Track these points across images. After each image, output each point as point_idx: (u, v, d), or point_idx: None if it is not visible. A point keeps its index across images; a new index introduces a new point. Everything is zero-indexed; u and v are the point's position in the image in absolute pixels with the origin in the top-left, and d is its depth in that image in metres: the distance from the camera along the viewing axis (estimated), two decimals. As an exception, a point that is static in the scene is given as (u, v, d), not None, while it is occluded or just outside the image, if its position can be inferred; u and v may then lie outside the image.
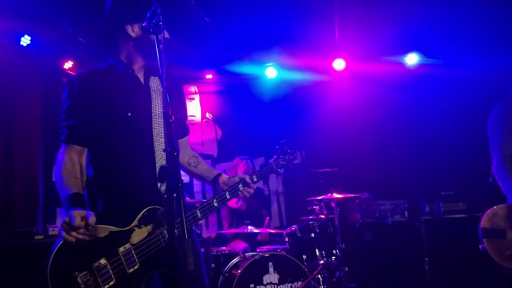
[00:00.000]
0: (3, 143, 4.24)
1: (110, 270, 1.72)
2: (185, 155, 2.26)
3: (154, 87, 2.05)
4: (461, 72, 4.85)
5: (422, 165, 4.98)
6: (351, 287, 4.16)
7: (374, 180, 5.02)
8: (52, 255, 1.65)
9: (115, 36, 2.03)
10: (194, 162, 2.27)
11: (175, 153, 1.59)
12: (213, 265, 3.92)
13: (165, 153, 1.58)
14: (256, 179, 2.19)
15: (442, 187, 4.76)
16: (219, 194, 2.08)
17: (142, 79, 2.04)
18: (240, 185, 2.15)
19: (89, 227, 1.69)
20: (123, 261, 1.75)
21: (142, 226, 1.83)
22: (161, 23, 1.73)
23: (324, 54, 5.24)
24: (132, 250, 1.78)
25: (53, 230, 4.08)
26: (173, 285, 1.66)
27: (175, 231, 1.55)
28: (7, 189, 4.20)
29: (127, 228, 1.80)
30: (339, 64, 5.31)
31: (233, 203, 4.47)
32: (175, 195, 1.55)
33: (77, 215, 1.68)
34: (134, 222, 1.82)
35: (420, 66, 5.24)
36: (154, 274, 1.85)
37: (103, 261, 1.71)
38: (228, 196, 2.10)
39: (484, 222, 2.67)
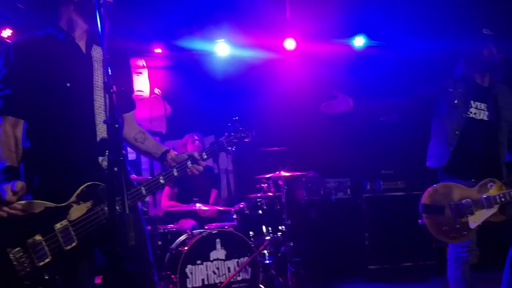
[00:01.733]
0: None
1: (46, 247, 1.68)
2: (131, 131, 2.19)
3: (96, 57, 1.96)
4: (405, 54, 5.05)
5: (364, 145, 5.19)
6: (295, 261, 4.32)
7: (320, 159, 5.17)
8: None
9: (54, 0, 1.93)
10: (141, 138, 2.20)
11: (117, 125, 1.53)
12: (159, 243, 3.92)
13: (106, 126, 1.53)
14: (205, 156, 2.13)
15: (383, 167, 5.02)
16: (166, 171, 2.02)
17: (83, 48, 1.95)
18: (189, 162, 2.08)
19: (23, 201, 1.63)
20: (59, 238, 1.71)
21: (80, 202, 1.78)
22: None
23: (275, 33, 5.24)
24: (70, 227, 1.74)
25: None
26: (115, 261, 1.66)
27: (117, 207, 1.53)
28: None
29: (64, 204, 1.75)
30: (289, 43, 5.35)
31: (203, 211, 4.43)
32: (116, 169, 1.50)
33: (8, 189, 1.61)
34: (72, 198, 1.77)
35: (367, 48, 5.39)
36: (96, 252, 1.82)
37: (38, 237, 1.66)
38: (175, 173, 2.03)
39: (425, 199, 2.77)
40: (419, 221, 2.78)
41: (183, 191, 4.61)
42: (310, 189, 4.98)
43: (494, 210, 2.68)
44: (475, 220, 2.68)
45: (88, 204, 1.79)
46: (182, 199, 4.54)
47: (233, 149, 2.28)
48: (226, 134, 2.28)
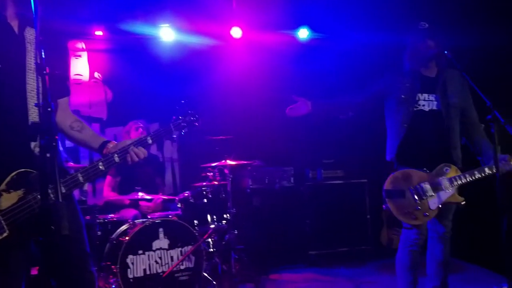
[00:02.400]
0: None
1: None
2: (67, 118, 2.07)
3: (30, 38, 1.85)
4: (349, 47, 5.21)
5: (307, 136, 5.33)
6: (239, 249, 4.37)
7: (265, 149, 5.23)
8: None
9: None
10: (78, 126, 2.07)
11: (49, 109, 1.46)
12: (99, 233, 3.79)
13: (38, 109, 1.47)
14: (150, 141, 2.02)
15: (324, 156, 5.20)
16: (106, 156, 1.92)
17: (16, 28, 1.83)
18: (132, 146, 1.98)
19: None
20: None
21: (11, 190, 1.68)
22: None
23: (221, 20, 5.19)
24: (0, 217, 1.64)
25: None
26: (49, 251, 1.59)
27: (50, 195, 1.46)
28: None
29: None
30: (236, 32, 5.32)
31: (146, 207, 4.30)
32: (48, 155, 1.43)
33: None
34: (1, 186, 1.67)
35: (311, 40, 5.50)
36: (31, 242, 1.74)
37: None
38: (116, 159, 1.92)
39: (387, 185, 2.92)
40: (383, 206, 2.94)
41: (126, 180, 4.48)
42: (255, 177, 5.04)
43: (451, 191, 2.85)
44: (434, 201, 2.84)
45: (20, 192, 1.70)
46: (124, 189, 4.41)
47: (183, 132, 2.17)
48: (174, 117, 2.17)
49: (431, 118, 2.97)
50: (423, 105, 2.98)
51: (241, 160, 4.42)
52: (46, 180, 1.44)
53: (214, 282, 3.76)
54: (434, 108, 2.97)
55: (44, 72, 1.49)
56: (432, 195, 2.85)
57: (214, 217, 4.09)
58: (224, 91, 5.37)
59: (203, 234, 3.86)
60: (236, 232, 4.27)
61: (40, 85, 1.48)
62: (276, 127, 5.32)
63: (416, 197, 2.85)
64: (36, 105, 1.46)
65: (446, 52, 2.83)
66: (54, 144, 1.43)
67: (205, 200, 4.12)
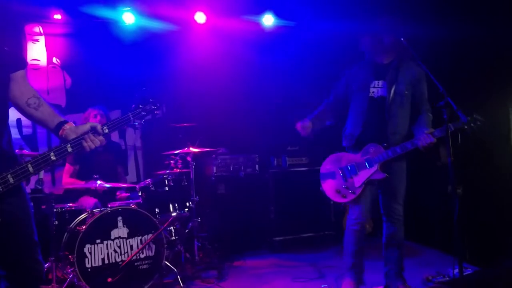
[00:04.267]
0: None
1: None
2: (23, 94, 1.94)
3: None
4: (312, 35, 5.20)
5: (272, 123, 5.33)
6: (202, 236, 4.36)
7: (230, 136, 5.21)
8: None
9: None
10: (35, 103, 1.96)
11: None
12: (56, 222, 3.69)
13: None
14: (107, 131, 1.95)
15: (289, 143, 5.22)
16: (58, 146, 1.84)
17: None
18: (89, 134, 1.89)
19: None
20: None
21: None
22: None
23: (185, 5, 5.08)
24: None
25: None
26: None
27: None
28: None
29: None
30: (200, 17, 5.23)
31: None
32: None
33: None
34: None
35: (276, 27, 5.47)
36: None
37: None
38: (69, 149, 1.86)
39: (321, 168, 3.28)
40: (320, 188, 3.23)
41: (85, 169, 4.37)
42: (220, 165, 5.01)
43: (374, 168, 3.05)
44: (359, 178, 3.08)
45: None
46: (83, 177, 4.30)
47: (143, 122, 2.08)
48: (133, 106, 2.08)
49: (377, 103, 3.11)
50: (373, 92, 3.12)
51: (205, 148, 4.38)
52: None
53: (176, 270, 3.74)
54: (380, 94, 3.10)
55: None
56: (356, 174, 3.08)
57: (176, 205, 4.05)
58: (187, 77, 5.29)
59: (164, 223, 3.82)
60: (199, 220, 4.24)
61: None
62: (241, 114, 5.31)
63: (343, 177, 3.13)
64: None
65: (402, 39, 2.87)
66: None
67: (167, 188, 4.06)
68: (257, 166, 5.11)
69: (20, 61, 1.96)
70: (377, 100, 3.08)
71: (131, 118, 2.04)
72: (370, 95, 3.10)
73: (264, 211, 4.99)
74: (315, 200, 5.04)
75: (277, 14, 5.38)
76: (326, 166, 3.25)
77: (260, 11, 5.35)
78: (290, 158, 5.17)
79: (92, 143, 1.91)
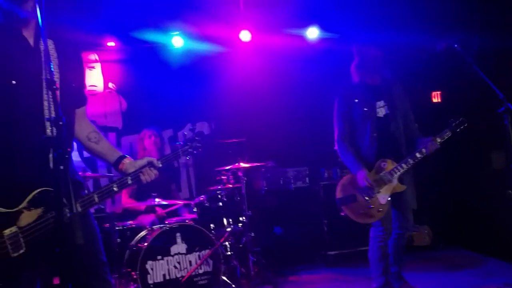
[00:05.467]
0: None
1: None
2: (84, 128, 2.08)
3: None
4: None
5: (321, 134, 5.30)
6: (256, 251, 4.39)
7: (278, 149, 5.24)
8: None
9: None
10: (96, 137, 2.10)
11: (60, 123, 1.50)
12: (118, 240, 3.86)
13: (50, 123, 1.50)
14: (161, 165, 2.08)
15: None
16: (120, 179, 1.99)
17: (31, 40, 1.82)
18: (146, 168, 2.04)
19: None
20: (7, 245, 1.64)
21: (32, 208, 1.71)
22: None
23: (230, 25, 5.23)
24: (19, 234, 1.67)
25: None
26: (66, 261, 1.63)
27: (66, 209, 1.50)
28: None
29: (14, 209, 1.67)
30: (245, 35, 5.35)
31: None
32: (62, 167, 1.47)
33: None
34: (23, 203, 1.69)
35: (320, 40, 5.49)
36: (48, 255, 1.75)
37: None
38: (129, 182, 2.00)
39: (338, 194, 3.27)
40: (341, 213, 3.25)
41: (142, 187, 4.54)
42: (269, 179, 5.05)
43: (395, 182, 3.11)
44: (383, 195, 3.10)
45: (39, 210, 1.72)
46: (141, 195, 4.48)
47: (188, 158, 2.33)
48: (181, 143, 2.28)
49: (383, 122, 3.23)
50: (378, 112, 3.24)
51: (254, 162, 4.45)
52: (60, 192, 1.47)
53: (233, 285, 3.79)
54: (386, 112, 3.23)
55: (54, 87, 1.52)
56: (379, 191, 3.09)
57: (230, 220, 4.13)
58: (235, 95, 5.41)
59: (220, 238, 3.90)
60: (252, 234, 4.29)
61: (51, 99, 1.52)
62: (289, 127, 5.34)
63: (366, 197, 3.11)
64: (48, 119, 1.49)
65: (455, 45, 2.91)
66: (66, 156, 1.47)
67: (220, 204, 4.15)
68: (307, 178, 5.10)
69: (83, 98, 2.09)
70: (383, 119, 3.22)
71: (181, 155, 2.24)
72: (377, 115, 3.23)
73: (317, 224, 4.95)
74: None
75: (322, 26, 5.41)
76: (343, 190, 3.25)
77: (304, 25, 5.40)
78: (341, 170, 5.10)
79: (149, 176, 2.05)
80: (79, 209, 1.82)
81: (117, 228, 3.90)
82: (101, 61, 5.35)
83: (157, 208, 4.38)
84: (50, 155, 1.75)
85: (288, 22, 5.25)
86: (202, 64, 5.38)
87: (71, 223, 1.48)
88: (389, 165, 3.13)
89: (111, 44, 5.28)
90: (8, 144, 1.74)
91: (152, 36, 5.23)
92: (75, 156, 4.93)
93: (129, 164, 2.07)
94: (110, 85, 5.38)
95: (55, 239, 1.63)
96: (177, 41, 5.31)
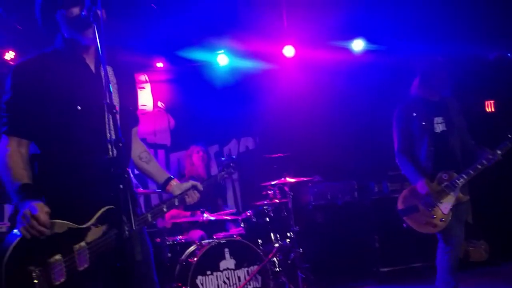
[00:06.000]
0: None
1: (64, 267, 1.69)
2: (136, 148, 2.19)
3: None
4: (404, 58, 5.06)
5: (370, 148, 5.20)
6: (305, 268, 4.31)
7: (325, 164, 5.18)
8: (10, 249, 1.60)
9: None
10: (146, 157, 2.22)
11: (120, 144, 1.58)
12: (169, 255, 3.93)
13: (110, 145, 1.58)
14: (201, 188, 2.22)
15: (389, 168, 5.01)
16: (169, 200, 2.11)
17: (92, 66, 1.93)
18: (191, 190, 2.17)
19: (48, 222, 1.65)
20: (76, 259, 1.73)
21: (98, 225, 1.80)
22: (100, 12, 1.69)
23: (273, 40, 5.29)
24: (86, 249, 1.76)
25: (1, 228, 3.94)
26: (123, 275, 1.68)
27: (125, 226, 1.57)
28: None
29: (85, 226, 1.77)
30: (288, 50, 5.39)
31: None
32: (121, 186, 1.55)
33: (38, 206, 1.63)
34: (92, 220, 1.79)
35: (366, 52, 5.41)
36: (106, 270, 1.82)
37: (58, 257, 1.68)
38: (176, 203, 2.12)
39: (399, 205, 3.32)
40: (404, 225, 3.32)
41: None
42: (316, 193, 4.98)
43: (457, 192, 3.14)
44: (445, 205, 3.14)
45: (104, 227, 1.81)
46: (189, 210, 4.55)
47: (222, 183, 2.50)
48: (219, 169, 2.51)
49: (441, 138, 3.25)
50: (436, 128, 3.28)
51: (300, 177, 4.41)
52: (121, 210, 1.56)
53: (282, 302, 3.73)
54: (443, 129, 3.26)
55: (114, 110, 1.62)
56: (441, 202, 3.12)
57: (278, 235, 4.09)
58: (279, 110, 5.44)
59: (268, 253, 3.87)
60: (300, 250, 4.22)
61: (111, 122, 1.61)
62: (335, 141, 5.27)
63: (428, 207, 3.15)
64: (108, 141, 1.58)
65: (509, 54, 2.89)
66: (126, 176, 1.55)
67: (267, 219, 4.13)
68: (356, 193, 4.98)
69: (137, 119, 2.20)
70: (441, 135, 3.26)
71: (218, 180, 2.44)
72: (435, 131, 3.27)
73: (367, 240, 4.80)
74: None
75: (368, 38, 5.34)
76: (404, 202, 3.30)
77: (350, 37, 5.36)
78: (391, 184, 4.96)
79: (192, 199, 2.18)
80: (134, 227, 1.90)
81: (168, 243, 3.97)
82: (151, 81, 5.58)
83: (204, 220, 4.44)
84: (112, 175, 1.85)
85: (333, 35, 5.23)
86: (246, 80, 5.47)
87: (131, 240, 1.56)
88: (450, 176, 3.17)
89: (159, 65, 5.51)
90: (76, 165, 1.85)
91: (198, 55, 5.40)
92: (127, 172, 5.12)
93: (175, 186, 2.18)
94: (159, 104, 5.58)
95: (116, 254, 1.71)
96: (222, 59, 5.44)
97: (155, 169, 2.24)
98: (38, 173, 1.86)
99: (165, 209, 2.05)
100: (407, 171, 3.33)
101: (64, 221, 1.73)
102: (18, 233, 1.64)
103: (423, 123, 3.28)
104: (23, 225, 1.62)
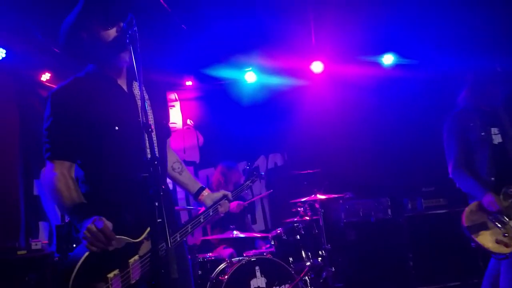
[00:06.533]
0: (-19, 158, 4.17)
1: (121, 281, 1.73)
2: (169, 159, 2.23)
3: (138, 94, 1.97)
4: (436, 71, 4.97)
5: (402, 163, 5.08)
6: (338, 287, 4.20)
7: (356, 180, 5.08)
8: (77, 266, 1.64)
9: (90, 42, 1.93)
10: (179, 168, 2.27)
11: (155, 162, 1.60)
12: (199, 272, 3.91)
13: (145, 163, 1.59)
14: (232, 199, 2.31)
15: (423, 184, 4.88)
16: (205, 211, 2.17)
17: (125, 86, 1.98)
18: (223, 200, 2.24)
19: (113, 234, 1.68)
20: (131, 273, 1.76)
21: (149, 239, 1.82)
22: (137, 33, 1.71)
23: (302, 56, 5.29)
24: (139, 262, 1.80)
25: (36, 245, 4.02)
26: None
27: (169, 242, 1.57)
28: (-13, 205, 4.12)
29: (139, 240, 1.81)
30: (317, 66, 5.37)
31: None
32: (156, 204, 1.56)
33: (101, 220, 1.66)
34: (144, 234, 1.82)
35: (396, 66, 5.34)
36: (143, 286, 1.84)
37: (116, 272, 1.72)
38: (211, 213, 2.19)
39: (466, 222, 2.98)
40: (472, 244, 2.99)
41: (220, 220, 4.61)
42: (348, 210, 4.88)
43: None
44: None
45: (150, 242, 1.82)
46: (218, 227, 4.54)
47: (246, 191, 2.63)
48: (244, 179, 2.60)
49: (499, 149, 3.07)
50: (493, 140, 3.10)
51: (331, 194, 4.33)
52: (156, 227, 1.56)
53: (315, 323, 3.63)
54: (499, 140, 3.08)
55: (150, 129, 1.65)
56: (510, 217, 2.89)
57: (309, 253, 4.01)
58: (308, 126, 5.41)
59: (299, 272, 3.79)
60: (333, 269, 4.12)
61: (147, 140, 1.64)
62: (366, 156, 5.17)
63: (498, 224, 2.90)
64: (144, 159, 1.60)
65: None
66: (162, 194, 1.57)
67: (298, 237, 4.06)
68: (389, 210, 4.84)
69: (169, 131, 2.25)
70: (499, 146, 3.10)
71: (244, 189, 2.53)
72: (493, 142, 3.10)
73: (401, 258, 4.64)
74: (458, 244, 4.56)
75: (398, 52, 5.28)
76: (471, 218, 3.01)
77: (379, 52, 5.31)
78: (426, 200, 4.80)
79: (224, 208, 2.26)
80: (178, 238, 1.95)
81: (199, 260, 3.96)
82: (180, 99, 5.68)
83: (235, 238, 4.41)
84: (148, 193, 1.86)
85: (362, 50, 5.20)
86: (274, 97, 5.48)
87: (167, 257, 1.56)
88: None
89: (189, 83, 5.61)
90: (118, 183, 1.90)
91: (226, 73, 5.46)
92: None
93: (207, 196, 2.26)
94: (188, 121, 5.65)
95: (152, 272, 1.71)
96: (250, 77, 5.48)
97: (188, 179, 2.30)
98: (85, 193, 1.90)
99: (202, 220, 2.11)
100: (469, 186, 3.07)
101: (123, 236, 1.76)
102: (82, 250, 1.67)
103: (482, 133, 3.07)
104: (88, 240, 1.65)
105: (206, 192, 2.27)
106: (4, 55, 4.30)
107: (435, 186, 4.87)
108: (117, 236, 1.73)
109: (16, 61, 4.44)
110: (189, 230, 2.02)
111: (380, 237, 4.76)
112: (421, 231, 4.68)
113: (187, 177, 2.29)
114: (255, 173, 2.61)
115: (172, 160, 2.25)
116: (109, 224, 1.69)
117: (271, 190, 5.17)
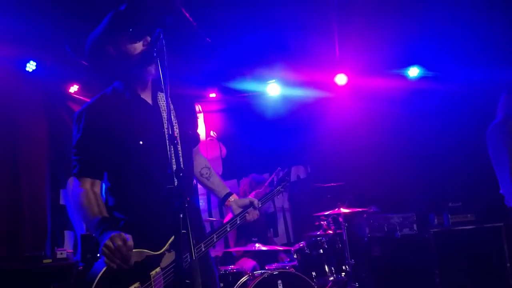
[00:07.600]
0: (10, 168, 4.27)
1: None
2: (198, 165, 2.25)
3: (163, 105, 1.99)
4: (462, 84, 4.88)
5: (429, 178, 4.97)
6: (363, 304, 4.11)
7: (381, 194, 5.00)
8: (96, 280, 1.65)
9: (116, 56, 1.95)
10: (207, 173, 2.29)
11: (181, 174, 1.61)
12: (221, 285, 3.88)
13: (182, 173, 1.61)
14: (260, 205, 2.27)
15: (450, 199, 4.75)
16: (231, 220, 2.16)
17: (149, 99, 1.99)
18: (250, 208, 2.22)
19: (129, 251, 1.68)
20: (153, 286, 1.76)
21: (171, 250, 1.83)
22: (164, 47, 1.72)
23: (325, 69, 5.28)
24: (161, 274, 1.79)
25: (61, 254, 4.08)
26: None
27: (194, 254, 1.57)
28: (15, 213, 4.21)
29: (159, 252, 1.81)
30: (341, 79, 5.34)
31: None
32: (181, 215, 1.56)
33: (118, 237, 1.67)
34: (166, 246, 1.82)
35: (421, 79, 5.26)
36: None
37: (137, 285, 1.72)
38: (238, 221, 2.18)
39: None
40: None
41: (242, 232, 4.60)
42: (373, 225, 4.78)
43: None
44: None
45: (174, 253, 1.84)
46: (240, 240, 4.52)
47: (277, 197, 2.55)
48: (275, 184, 2.53)
49: None
50: None
51: (355, 207, 4.26)
52: (180, 239, 1.56)
53: None
54: None
55: (175, 141, 1.66)
56: None
57: (332, 268, 3.94)
58: (332, 138, 5.37)
59: (322, 287, 3.73)
60: (357, 285, 4.03)
61: (173, 152, 1.64)
62: (391, 170, 5.08)
63: None
64: (169, 172, 1.61)
65: None
66: (186, 205, 1.57)
67: (321, 251, 4.00)
68: (415, 225, 4.73)
69: (197, 139, 2.26)
70: None
71: (275, 195, 2.49)
72: None
73: (428, 275, 4.51)
74: (487, 261, 4.43)
75: (423, 65, 5.20)
76: None
77: (404, 65, 5.25)
78: (452, 216, 4.67)
79: (252, 216, 2.23)
80: (203, 248, 1.95)
81: (220, 272, 3.93)
82: (204, 111, 5.73)
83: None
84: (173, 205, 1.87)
85: (386, 63, 5.15)
86: (298, 109, 5.47)
87: (191, 270, 1.56)
88: None
89: (212, 95, 5.65)
90: (144, 196, 1.91)
91: (249, 85, 5.49)
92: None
93: (233, 202, 2.26)
94: (212, 133, 5.69)
95: (175, 284, 1.73)
96: (273, 89, 5.48)
97: (216, 184, 2.31)
98: (111, 205, 1.93)
99: (228, 229, 2.11)
100: None
101: (142, 249, 1.76)
102: (103, 263, 1.67)
103: None
104: (107, 256, 1.66)
105: (233, 198, 2.27)
106: (34, 68, 4.44)
107: (462, 201, 4.74)
108: (136, 250, 1.72)
109: (46, 73, 4.57)
110: (215, 240, 2.01)
111: (405, 253, 4.64)
112: (448, 247, 4.54)
113: (215, 182, 2.30)
114: (286, 178, 2.58)
115: (201, 165, 2.27)
116: (129, 239, 1.68)
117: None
